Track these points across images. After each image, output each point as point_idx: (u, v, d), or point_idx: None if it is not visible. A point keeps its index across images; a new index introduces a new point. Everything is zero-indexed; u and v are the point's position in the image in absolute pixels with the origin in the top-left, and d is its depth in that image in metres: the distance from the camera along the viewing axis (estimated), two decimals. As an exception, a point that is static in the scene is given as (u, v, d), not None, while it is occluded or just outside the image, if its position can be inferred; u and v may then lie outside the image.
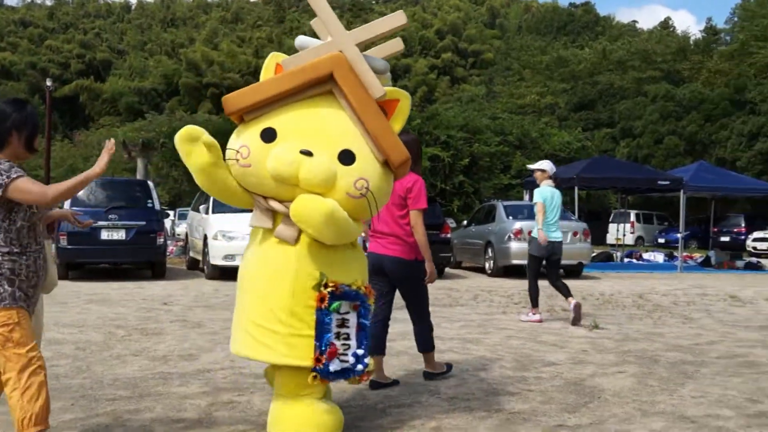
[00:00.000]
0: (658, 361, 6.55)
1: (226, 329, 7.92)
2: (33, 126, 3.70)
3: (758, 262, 20.73)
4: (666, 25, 65.08)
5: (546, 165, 9.20)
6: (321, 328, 3.91)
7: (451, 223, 21.29)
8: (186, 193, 25.53)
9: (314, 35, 4.29)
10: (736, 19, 50.18)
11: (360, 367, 4.00)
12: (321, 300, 3.91)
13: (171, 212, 32.87)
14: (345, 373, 3.99)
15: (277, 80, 4.01)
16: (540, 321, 8.94)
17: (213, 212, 14.35)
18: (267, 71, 4.13)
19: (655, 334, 8.12)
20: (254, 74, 68.98)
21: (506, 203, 17.41)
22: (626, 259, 21.73)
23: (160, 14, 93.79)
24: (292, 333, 3.91)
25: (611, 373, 6.01)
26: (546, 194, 8.89)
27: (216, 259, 13.55)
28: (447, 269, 16.55)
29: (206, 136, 3.91)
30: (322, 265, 3.97)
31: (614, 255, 21.80)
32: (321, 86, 4.05)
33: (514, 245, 15.31)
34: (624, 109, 40.77)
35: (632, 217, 33.04)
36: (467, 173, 23.20)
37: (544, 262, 9.05)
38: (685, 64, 45.31)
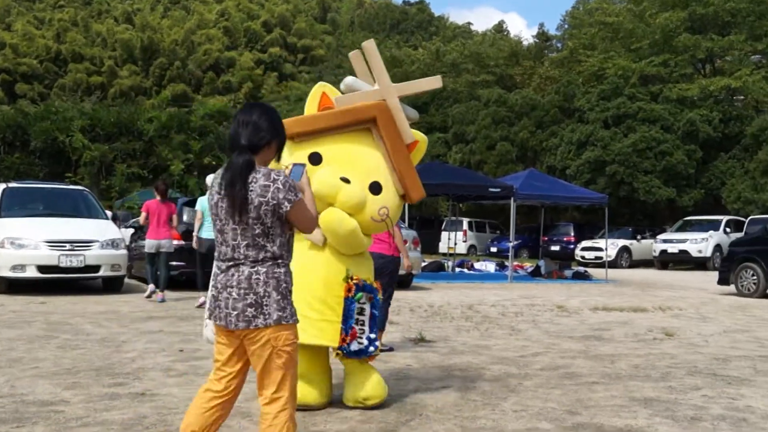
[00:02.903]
0: (483, 375, 6.81)
1: (9, 350, 7.43)
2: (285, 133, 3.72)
3: (585, 271, 22.11)
4: (500, 28, 68.18)
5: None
6: (347, 314, 5.08)
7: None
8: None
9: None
10: (566, 26, 53.40)
11: (372, 348, 5.22)
12: (348, 290, 5.09)
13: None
14: (359, 353, 5.18)
15: (332, 115, 5.22)
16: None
17: (1, 216, 13.45)
18: (313, 99, 5.35)
19: (482, 347, 8.45)
20: (55, 60, 65.54)
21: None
22: (458, 269, 22.53)
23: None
24: (323, 318, 5.11)
25: (435, 389, 6.18)
26: (205, 203, 11.35)
27: (3, 270, 12.71)
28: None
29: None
30: (346, 263, 5.20)
31: (446, 264, 22.53)
32: (363, 124, 5.31)
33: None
34: (457, 113, 42.33)
35: (465, 226, 34.35)
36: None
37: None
38: (517, 69, 47.67)
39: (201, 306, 11.34)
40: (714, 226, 28.21)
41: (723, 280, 16.80)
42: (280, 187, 3.40)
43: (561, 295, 15.91)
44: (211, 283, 3.59)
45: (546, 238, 31.37)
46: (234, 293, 3.43)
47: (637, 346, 8.79)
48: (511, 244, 21.52)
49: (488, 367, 7.22)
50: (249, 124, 3.49)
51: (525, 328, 10.24)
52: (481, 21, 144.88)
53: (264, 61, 70.13)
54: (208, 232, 11.35)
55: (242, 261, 3.44)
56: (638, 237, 30.34)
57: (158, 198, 12.76)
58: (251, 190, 3.38)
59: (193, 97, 60.37)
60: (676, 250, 27.82)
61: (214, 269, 3.57)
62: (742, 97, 37.73)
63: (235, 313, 3.41)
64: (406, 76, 48.34)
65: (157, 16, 79.72)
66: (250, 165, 3.41)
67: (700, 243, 27.37)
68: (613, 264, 27.48)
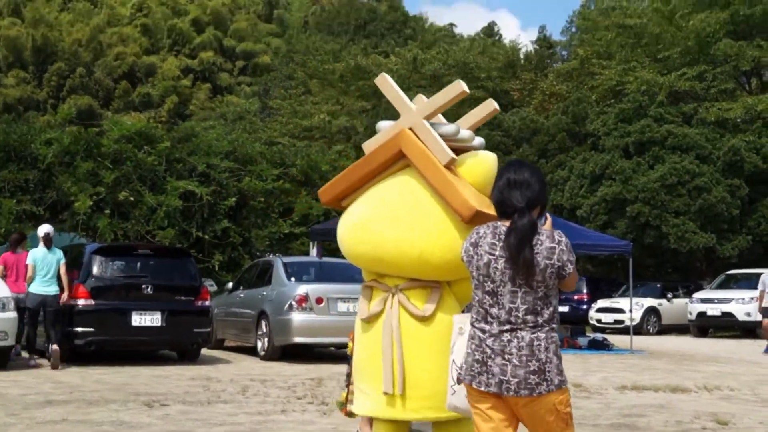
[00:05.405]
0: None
1: None
2: None
3: (604, 339, 22.06)
4: (491, 31, 69.03)
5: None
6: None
7: (210, 285, 20.97)
8: None
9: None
10: (574, 29, 54.11)
11: None
12: None
13: None
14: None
15: (358, 165, 5.97)
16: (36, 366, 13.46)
17: None
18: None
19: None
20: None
21: (287, 259, 17.40)
22: (442, 336, 22.37)
23: None
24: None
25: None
26: (37, 255, 13.74)
27: None
28: (204, 350, 16.22)
29: None
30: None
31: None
32: (401, 161, 5.87)
33: (298, 317, 15.27)
34: (440, 138, 42.58)
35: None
36: (234, 217, 23.05)
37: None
38: (514, 83, 48.11)
39: (35, 366, 13.54)
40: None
41: (782, 351, 16.82)
42: (564, 249, 4.22)
43: (575, 369, 15.83)
44: (473, 345, 4.23)
45: (553, 297, 31.35)
46: (514, 360, 4.13)
47: (682, 438, 8.73)
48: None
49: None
50: (522, 184, 4.30)
51: (537, 414, 10.13)
52: (465, 21, 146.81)
53: (193, 68, 70.25)
54: (38, 287, 13.55)
55: (520, 326, 4.16)
56: (669, 295, 30.43)
57: (12, 249, 14.50)
58: (537, 253, 4.14)
59: (101, 113, 60.11)
60: (717, 313, 27.83)
61: (477, 333, 4.22)
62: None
63: (516, 380, 4.11)
64: (374, 90, 48.63)
65: (55, 8, 79.58)
66: (535, 227, 4.19)
67: (747, 303, 27.38)
68: (638, 329, 27.51)
